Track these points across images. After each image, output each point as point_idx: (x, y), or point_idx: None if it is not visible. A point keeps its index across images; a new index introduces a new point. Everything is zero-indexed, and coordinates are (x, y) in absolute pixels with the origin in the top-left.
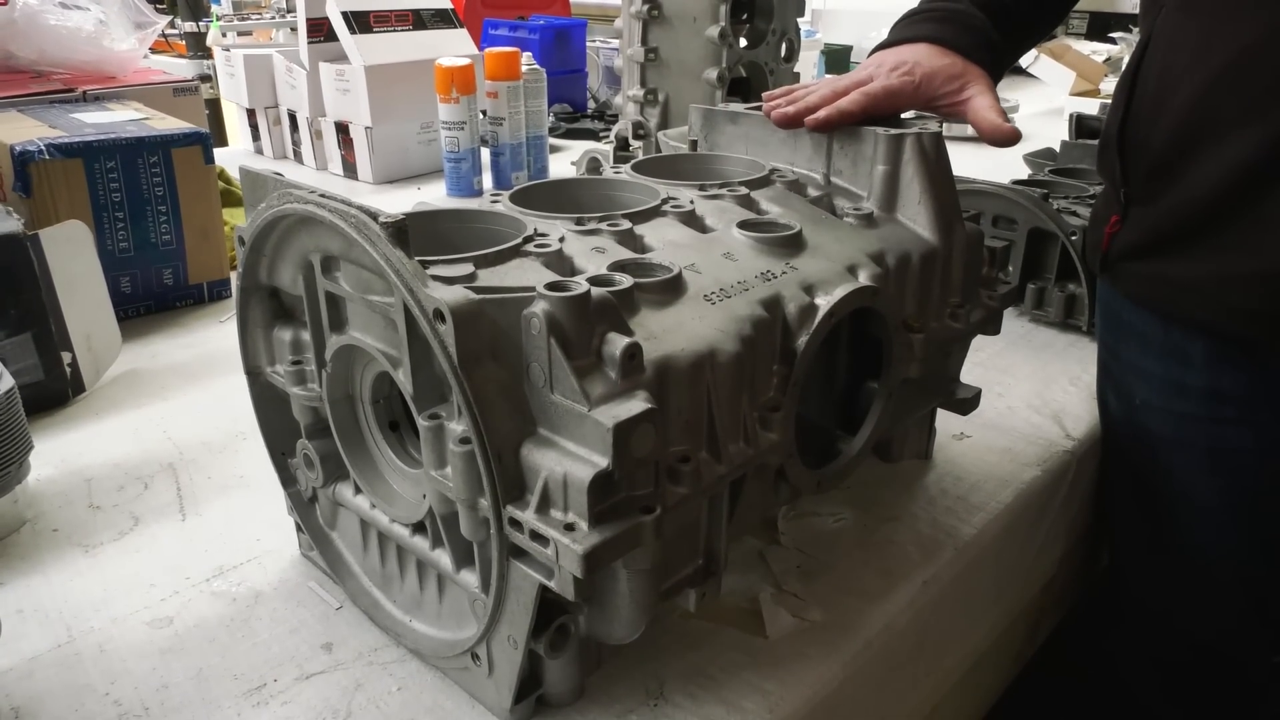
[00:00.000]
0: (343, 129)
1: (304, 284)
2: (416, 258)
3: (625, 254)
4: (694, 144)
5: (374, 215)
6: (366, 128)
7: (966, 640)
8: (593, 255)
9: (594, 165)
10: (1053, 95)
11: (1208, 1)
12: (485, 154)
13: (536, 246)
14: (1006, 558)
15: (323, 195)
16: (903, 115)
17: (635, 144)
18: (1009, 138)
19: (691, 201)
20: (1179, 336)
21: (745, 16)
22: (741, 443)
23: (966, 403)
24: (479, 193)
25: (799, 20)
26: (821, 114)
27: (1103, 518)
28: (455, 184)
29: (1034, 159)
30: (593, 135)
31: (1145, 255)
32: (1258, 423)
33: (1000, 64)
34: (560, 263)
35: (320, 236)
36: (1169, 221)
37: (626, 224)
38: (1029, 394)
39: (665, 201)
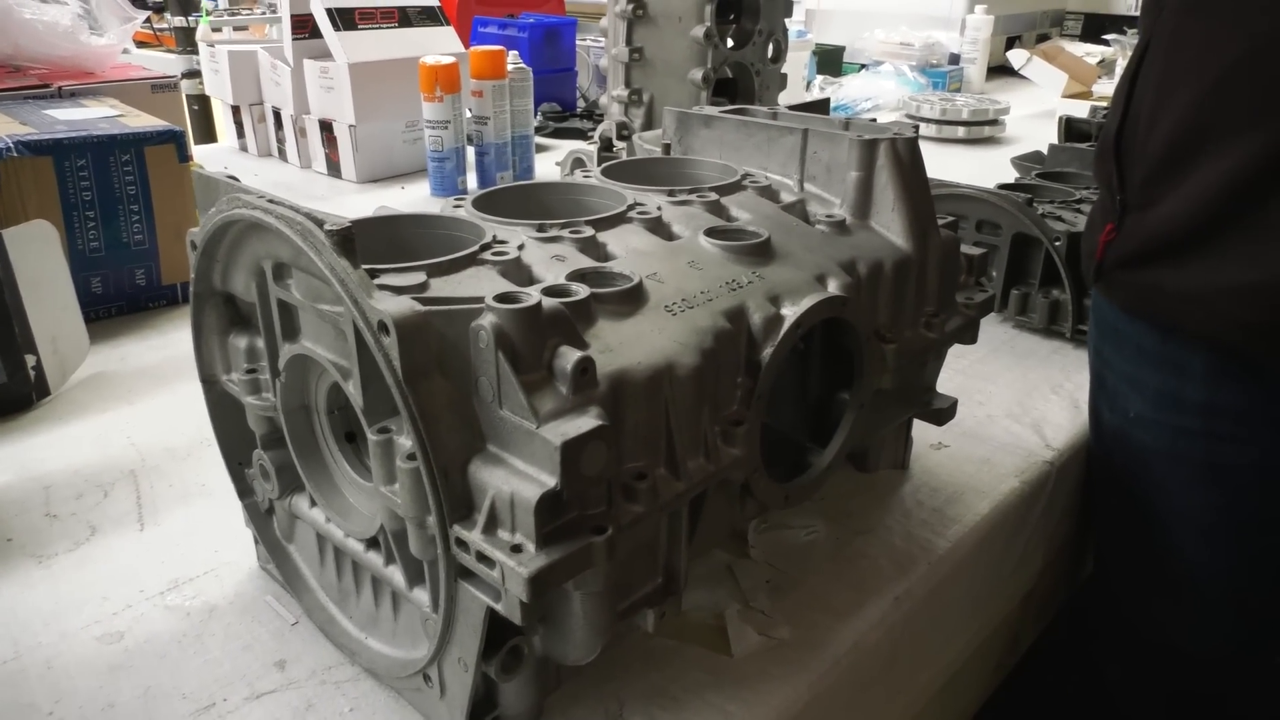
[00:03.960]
0: (327, 127)
1: (256, 291)
2: (367, 266)
3: (586, 262)
4: (667, 147)
5: (319, 222)
6: (350, 126)
7: (942, 655)
8: (552, 264)
9: (578, 164)
10: (1044, 98)
11: (1212, 3)
12: (471, 153)
13: (494, 254)
14: (983, 571)
15: (271, 201)
16: (878, 121)
17: (619, 144)
18: None
19: (659, 208)
20: (1176, 348)
21: (732, 17)
22: (702, 458)
23: (942, 413)
24: (464, 192)
25: (787, 21)
26: None
27: (1085, 529)
28: (439, 183)
29: (1021, 162)
30: (581, 135)
31: (1141, 264)
32: (1256, 439)
33: None
34: (518, 271)
35: (271, 243)
36: (1166, 230)
37: (589, 231)
38: (1009, 402)
39: (632, 207)
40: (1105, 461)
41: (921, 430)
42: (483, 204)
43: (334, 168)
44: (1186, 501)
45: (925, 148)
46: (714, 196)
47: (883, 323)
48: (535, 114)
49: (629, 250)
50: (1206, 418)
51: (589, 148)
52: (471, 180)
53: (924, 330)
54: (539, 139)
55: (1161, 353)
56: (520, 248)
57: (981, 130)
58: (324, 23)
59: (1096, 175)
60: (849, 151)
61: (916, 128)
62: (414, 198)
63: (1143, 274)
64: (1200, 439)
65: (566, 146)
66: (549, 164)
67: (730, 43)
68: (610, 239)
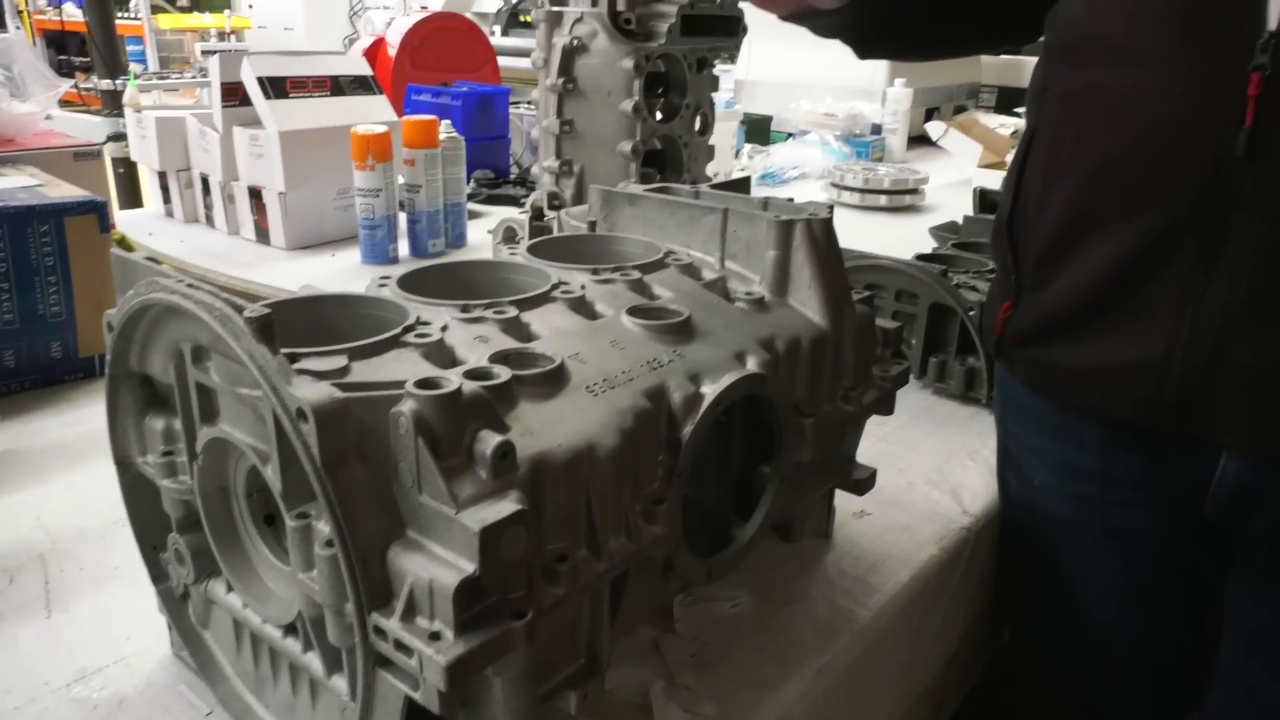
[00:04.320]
0: (256, 193)
1: (175, 373)
2: (288, 349)
3: (509, 343)
4: (593, 224)
5: (239, 309)
6: (280, 193)
7: None
8: (475, 345)
9: (509, 235)
10: (961, 167)
11: (1088, 99)
12: (403, 219)
13: (417, 336)
14: (905, 639)
15: (190, 285)
16: (795, 201)
17: (550, 214)
18: None
19: (583, 286)
20: (1073, 421)
21: (660, 91)
22: (624, 537)
23: (862, 483)
24: (395, 259)
25: (714, 94)
26: None
27: (1003, 594)
28: (370, 251)
29: (939, 232)
30: (514, 201)
31: (1036, 341)
32: (1151, 505)
33: None
34: (440, 353)
35: (190, 326)
36: (1057, 310)
37: (513, 311)
38: (929, 469)
39: (556, 286)
40: (1015, 528)
41: (845, 498)
42: (408, 282)
43: (263, 234)
44: (1091, 566)
45: (850, 215)
46: (637, 275)
47: (801, 397)
48: (468, 181)
49: (552, 330)
50: (1104, 486)
51: (521, 216)
52: (403, 247)
53: (842, 404)
54: (472, 205)
55: (1060, 424)
56: (444, 329)
57: (902, 199)
58: (254, 91)
59: (994, 254)
60: (767, 231)
61: (830, 208)
62: (345, 265)
63: (1039, 351)
64: (1099, 506)
65: (499, 213)
66: (481, 231)
67: (659, 116)
68: (534, 319)
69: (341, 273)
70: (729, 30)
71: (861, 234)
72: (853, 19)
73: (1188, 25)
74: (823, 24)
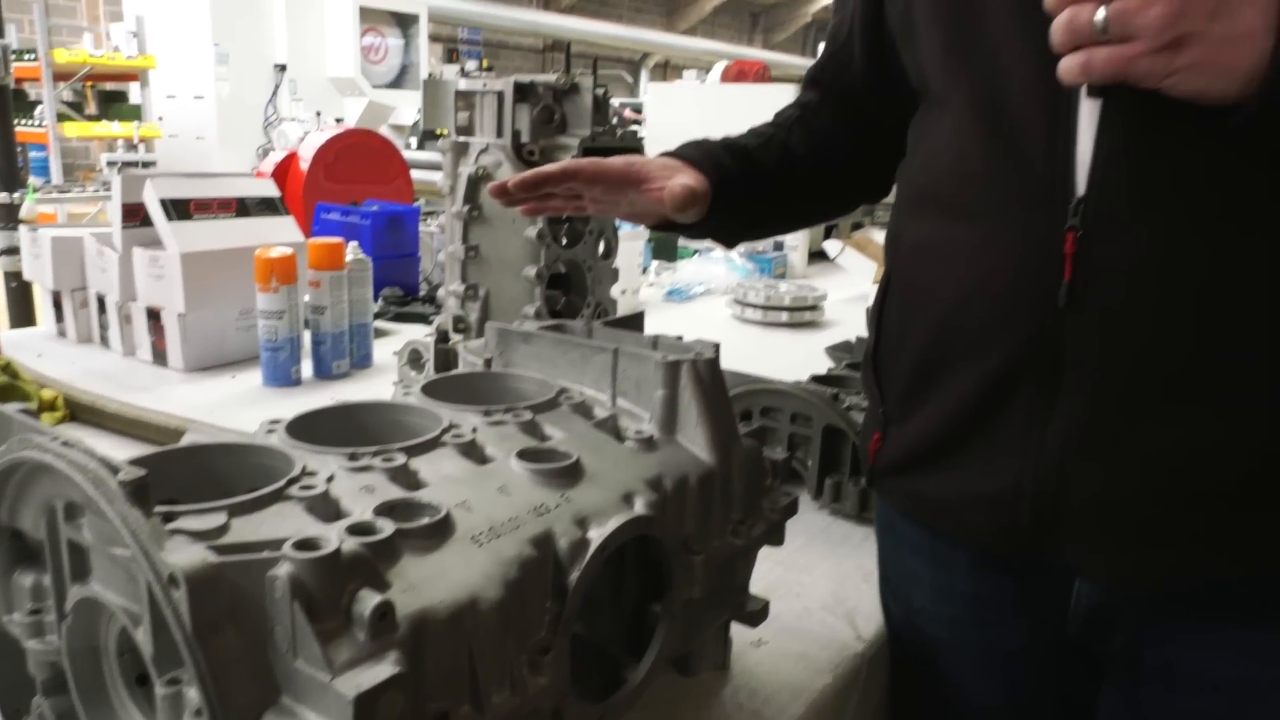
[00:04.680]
0: (154, 314)
1: (46, 529)
2: (165, 506)
3: (396, 493)
4: (489, 362)
5: (114, 469)
6: (180, 314)
7: None
8: (361, 496)
9: (414, 358)
10: (858, 283)
11: (931, 249)
12: (309, 337)
13: (301, 489)
14: None
15: (64, 444)
16: (682, 340)
17: (456, 337)
18: (678, 200)
19: (475, 429)
20: (944, 546)
21: (564, 217)
22: (507, 691)
23: (755, 615)
24: (297, 382)
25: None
26: (516, 179)
27: (896, 716)
28: (272, 373)
29: (834, 351)
30: (423, 319)
31: (904, 472)
32: (1020, 626)
33: (730, 186)
34: (325, 506)
35: (63, 484)
36: (920, 442)
37: (401, 458)
38: (824, 594)
39: (447, 430)
40: (900, 651)
41: (742, 627)
42: (299, 427)
43: (160, 356)
44: (972, 688)
45: (753, 332)
46: (529, 415)
47: (690, 534)
48: (376, 299)
49: (440, 477)
50: (976, 608)
51: (426, 339)
52: (307, 368)
53: (731, 538)
54: (380, 324)
55: (932, 549)
56: (329, 480)
57: (803, 315)
58: (156, 213)
59: (864, 386)
60: (655, 371)
61: (717, 346)
62: (245, 387)
63: (906, 481)
64: (974, 627)
65: (408, 331)
66: (388, 350)
67: (564, 241)
68: (423, 465)
69: (241, 395)
70: None
71: (765, 349)
72: (709, 230)
73: (1010, 189)
74: (686, 232)
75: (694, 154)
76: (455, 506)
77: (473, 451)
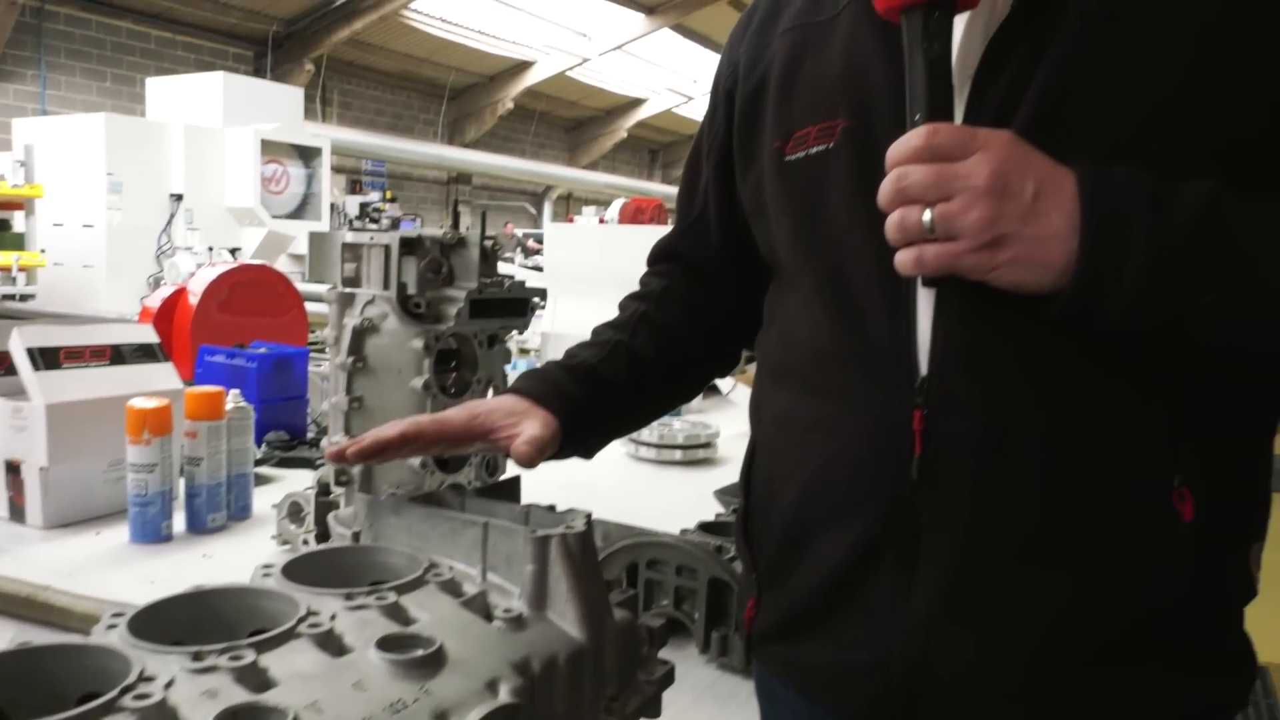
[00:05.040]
0: (14, 468)
1: None
2: None
3: (241, 696)
4: (357, 535)
5: None
6: (42, 468)
7: None
8: (201, 702)
9: (295, 510)
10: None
11: (790, 421)
12: (183, 488)
13: (135, 698)
14: None
15: None
16: (556, 511)
17: (337, 489)
18: (522, 459)
19: (334, 615)
20: (822, 712)
21: (452, 364)
22: None
23: None
24: (168, 538)
25: (506, 365)
26: (354, 447)
27: None
28: (141, 529)
29: (723, 495)
30: (309, 464)
31: (780, 640)
32: None
33: (579, 415)
34: (160, 717)
35: None
36: (793, 608)
37: (251, 655)
38: None
39: (304, 618)
40: None
41: None
42: (144, 620)
43: (17, 511)
44: None
45: (647, 470)
46: (393, 598)
47: (560, 715)
48: (260, 444)
49: (291, 674)
50: None
51: (308, 492)
52: (179, 522)
53: (604, 715)
54: (263, 470)
55: (810, 715)
56: (169, 685)
57: (696, 453)
58: (22, 362)
59: (738, 552)
60: (524, 546)
61: (589, 517)
62: (110, 544)
63: (781, 648)
64: None
65: (292, 477)
66: (269, 500)
67: (451, 390)
68: (273, 661)
69: (106, 554)
70: (518, 311)
71: (659, 488)
72: (564, 456)
73: (860, 369)
74: (559, 455)
75: (539, 389)
76: (305, 709)
77: (329, 642)
